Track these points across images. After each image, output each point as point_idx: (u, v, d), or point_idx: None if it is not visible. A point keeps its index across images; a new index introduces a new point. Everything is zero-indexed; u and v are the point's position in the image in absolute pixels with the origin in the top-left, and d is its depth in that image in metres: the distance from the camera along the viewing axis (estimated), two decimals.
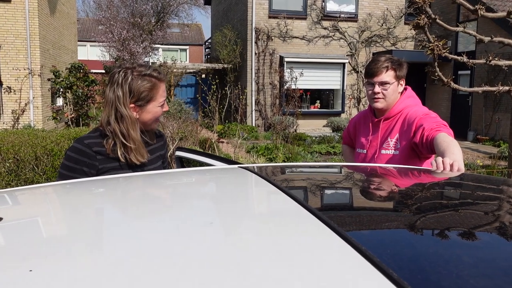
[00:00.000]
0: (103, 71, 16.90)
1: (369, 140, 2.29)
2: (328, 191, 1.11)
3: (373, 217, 0.84)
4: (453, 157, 1.72)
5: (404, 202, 1.00)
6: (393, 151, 2.20)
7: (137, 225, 0.81)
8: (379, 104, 2.17)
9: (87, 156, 1.73)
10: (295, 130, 12.23)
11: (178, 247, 0.66)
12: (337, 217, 0.81)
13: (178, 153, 2.45)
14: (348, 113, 14.04)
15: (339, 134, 11.92)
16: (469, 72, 12.78)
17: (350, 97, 14.00)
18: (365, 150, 2.33)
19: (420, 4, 4.95)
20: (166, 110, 1.88)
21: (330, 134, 11.90)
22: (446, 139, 1.88)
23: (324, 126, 13.72)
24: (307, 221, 0.75)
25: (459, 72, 13.11)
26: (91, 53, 25.51)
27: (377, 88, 2.15)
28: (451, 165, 1.67)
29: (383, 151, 2.23)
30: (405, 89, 2.24)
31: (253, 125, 13.38)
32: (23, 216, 0.94)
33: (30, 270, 0.58)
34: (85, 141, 1.76)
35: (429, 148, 1.97)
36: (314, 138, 11.31)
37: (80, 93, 8.44)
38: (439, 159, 1.74)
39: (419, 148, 2.05)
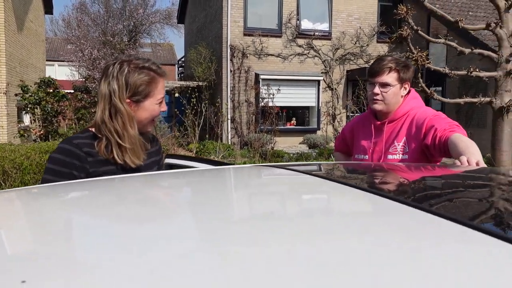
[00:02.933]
0: (72, 90, 16.51)
1: (372, 144, 2.11)
2: (390, 182, 0.92)
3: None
4: (475, 157, 1.58)
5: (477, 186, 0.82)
6: (401, 155, 2.04)
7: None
8: (378, 106, 2.02)
9: (77, 158, 1.49)
10: (273, 148, 12.10)
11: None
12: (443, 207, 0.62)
13: (168, 160, 2.24)
14: (323, 130, 14.03)
15: (316, 151, 11.84)
16: (440, 88, 13.03)
17: (326, 114, 14.02)
18: (367, 156, 2.15)
19: (403, 16, 4.93)
20: (164, 110, 1.66)
21: (307, 151, 11.82)
22: (463, 139, 1.74)
23: (300, 143, 13.64)
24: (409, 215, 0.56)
25: (431, 89, 13.33)
26: (60, 72, 24.88)
27: (377, 89, 2.00)
28: (477, 164, 1.53)
29: (389, 156, 2.06)
30: (408, 91, 2.08)
31: (229, 143, 13.17)
32: None
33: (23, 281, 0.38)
34: (74, 141, 1.52)
35: (442, 150, 1.82)
36: (291, 155, 11.19)
37: (49, 109, 8.02)
38: (463, 158, 1.59)
39: (430, 151, 1.90)
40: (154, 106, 1.58)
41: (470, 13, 13.09)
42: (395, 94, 2.00)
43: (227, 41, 13.23)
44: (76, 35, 20.63)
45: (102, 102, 1.53)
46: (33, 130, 8.23)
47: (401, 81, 2.00)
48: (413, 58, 4.87)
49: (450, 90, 12.57)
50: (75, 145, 1.50)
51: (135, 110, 1.55)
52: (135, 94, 1.53)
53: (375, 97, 2.01)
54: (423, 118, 1.93)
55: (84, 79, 15.19)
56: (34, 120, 8.40)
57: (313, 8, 14.05)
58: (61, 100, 8.48)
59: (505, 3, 5.34)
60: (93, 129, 1.57)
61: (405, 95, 2.07)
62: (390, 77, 1.98)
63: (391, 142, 2.06)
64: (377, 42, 14.43)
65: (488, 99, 5.44)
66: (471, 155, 1.59)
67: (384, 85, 1.99)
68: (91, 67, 17.98)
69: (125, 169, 1.52)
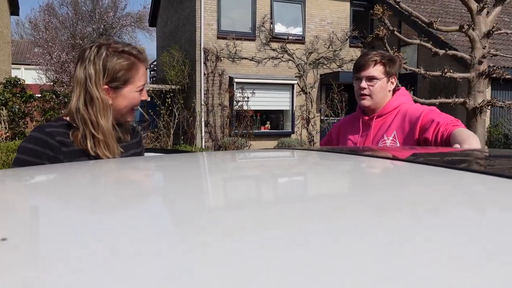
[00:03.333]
0: (39, 95, 16.05)
1: (359, 139, 2.08)
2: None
3: None
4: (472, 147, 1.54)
5: None
6: None
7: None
8: (366, 102, 1.97)
9: (49, 147, 1.35)
10: None
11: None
12: None
13: (146, 154, 2.13)
14: (298, 134, 14.06)
15: None
16: (412, 92, 13.26)
17: (300, 117, 14.05)
18: None
19: (379, 16, 4.95)
20: (145, 99, 1.54)
21: None
22: (466, 132, 1.71)
23: (275, 147, 13.61)
24: None
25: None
26: (26, 76, 24.11)
27: (363, 83, 1.94)
28: None
29: None
30: (398, 88, 2.04)
31: (203, 146, 13.01)
32: None
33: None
34: (47, 129, 1.39)
35: (443, 145, 1.78)
36: None
37: (16, 110, 7.65)
38: (457, 145, 1.56)
39: (429, 145, 1.85)
40: (134, 93, 1.46)
41: (439, 19, 13.39)
42: (382, 88, 1.95)
43: (200, 44, 13.10)
44: (44, 37, 20.05)
45: (78, 88, 1.41)
46: None
47: (388, 74, 1.95)
48: None
49: (421, 93, 12.81)
50: (47, 133, 1.37)
51: (113, 98, 1.43)
52: (114, 80, 1.41)
53: (362, 92, 1.95)
54: (418, 112, 1.88)
55: (52, 83, 14.75)
56: (0, 122, 8.01)
57: (287, 12, 14.10)
58: (28, 101, 8.13)
59: (477, 6, 5.44)
60: (67, 118, 1.44)
61: (395, 91, 2.02)
62: (376, 70, 1.94)
63: (380, 136, 2.01)
64: (350, 46, 14.59)
65: (462, 99, 5.52)
66: (468, 146, 1.55)
67: (371, 78, 1.93)
68: (59, 70, 17.48)
69: None
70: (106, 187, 0.72)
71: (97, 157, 1.41)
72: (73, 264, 0.31)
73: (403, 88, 2.06)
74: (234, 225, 0.42)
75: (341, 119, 2.31)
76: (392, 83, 1.98)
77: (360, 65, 1.96)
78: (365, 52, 2.07)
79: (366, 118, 2.03)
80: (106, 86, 1.40)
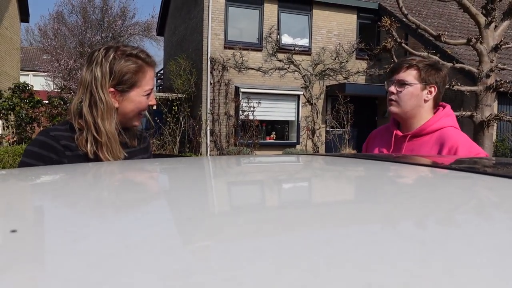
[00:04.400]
0: (47, 101, 16.20)
1: None
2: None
3: None
4: None
5: None
6: None
7: None
8: (393, 108, 1.74)
9: (54, 151, 1.35)
10: None
11: None
12: None
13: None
14: (303, 144, 14.04)
15: None
16: None
17: (305, 128, 14.04)
18: None
19: (387, 27, 4.96)
20: (152, 104, 1.51)
21: None
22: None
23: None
24: None
25: None
26: (35, 82, 24.29)
27: (392, 87, 1.73)
28: None
29: None
30: (443, 106, 1.78)
31: (208, 155, 13.01)
32: None
33: None
34: (51, 133, 1.38)
35: None
36: None
37: (24, 115, 7.69)
38: None
39: None
40: (140, 97, 1.44)
41: (446, 33, 13.43)
42: (413, 95, 1.70)
43: (207, 54, 13.18)
44: (53, 45, 20.27)
45: (82, 90, 1.40)
46: (6, 137, 7.89)
47: (424, 81, 1.70)
48: None
49: None
50: (52, 137, 1.36)
51: (119, 101, 1.41)
52: (120, 83, 1.39)
53: (389, 97, 1.75)
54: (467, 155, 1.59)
55: (59, 90, 14.86)
56: (7, 127, 8.06)
57: (294, 23, 14.18)
58: (36, 106, 8.18)
59: (485, 20, 5.45)
60: (71, 121, 1.44)
61: (436, 106, 1.77)
62: (408, 75, 1.71)
63: None
64: (356, 58, 14.62)
65: (469, 113, 5.50)
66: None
67: (401, 83, 1.72)
68: (67, 77, 17.64)
69: None
70: (103, 189, 0.71)
71: (98, 160, 1.40)
72: (72, 265, 0.31)
73: (448, 107, 1.78)
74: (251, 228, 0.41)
75: (372, 132, 2.02)
76: (430, 92, 1.72)
77: (393, 68, 1.79)
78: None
79: (400, 134, 1.77)
80: (112, 89, 1.39)
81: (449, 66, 5.45)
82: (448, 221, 0.44)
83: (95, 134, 1.37)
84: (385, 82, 1.82)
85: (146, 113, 1.64)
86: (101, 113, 1.37)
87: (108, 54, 1.39)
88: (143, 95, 1.45)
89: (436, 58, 1.92)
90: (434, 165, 0.97)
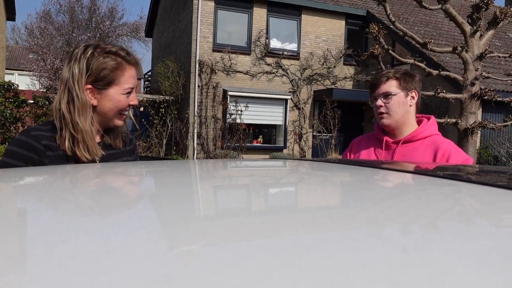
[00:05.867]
0: (32, 101, 16.03)
1: None
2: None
3: None
4: None
5: None
6: None
7: None
8: (385, 120, 1.83)
9: (34, 151, 1.33)
10: None
11: None
12: None
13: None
14: (290, 149, 14.07)
15: None
16: None
17: (293, 133, 14.09)
18: None
19: (374, 34, 5.01)
20: (134, 104, 1.48)
21: None
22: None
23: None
24: None
25: None
26: (20, 82, 24.01)
27: (379, 101, 1.82)
28: None
29: None
30: (428, 118, 1.89)
31: (194, 158, 12.96)
32: None
33: None
34: (32, 132, 1.36)
35: None
36: None
37: (8, 114, 7.56)
38: None
39: None
40: (119, 96, 1.42)
41: (432, 40, 13.61)
42: (400, 103, 1.81)
43: (195, 56, 13.15)
44: (39, 44, 20.03)
45: (61, 87, 1.39)
46: None
47: (405, 89, 1.82)
48: None
49: None
50: (32, 137, 1.34)
51: (98, 99, 1.40)
52: (98, 80, 1.38)
53: (379, 110, 1.83)
54: (458, 161, 1.70)
55: (45, 89, 14.69)
56: None
57: (282, 28, 14.24)
58: (21, 106, 8.05)
59: (470, 28, 5.54)
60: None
61: (423, 119, 1.87)
62: (389, 86, 1.82)
63: None
64: (344, 64, 14.73)
65: (454, 120, 5.57)
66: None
67: (385, 95, 1.82)
68: (53, 77, 17.44)
69: None
70: (85, 191, 0.71)
71: (80, 160, 1.38)
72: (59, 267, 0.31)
73: (433, 118, 1.90)
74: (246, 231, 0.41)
75: (353, 140, 2.09)
76: (413, 97, 1.84)
77: (373, 84, 1.87)
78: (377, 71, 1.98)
79: (391, 141, 1.87)
80: (89, 86, 1.37)
81: (435, 73, 5.52)
82: (432, 227, 0.44)
83: (72, 131, 1.36)
84: (368, 99, 1.91)
85: (131, 114, 1.62)
86: (77, 110, 1.35)
87: (86, 51, 1.38)
88: (122, 93, 1.43)
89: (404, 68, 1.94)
90: (425, 172, 0.98)
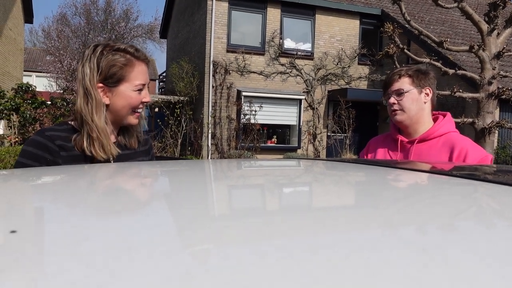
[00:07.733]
0: (49, 102, 16.26)
1: None
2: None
3: None
4: None
5: None
6: None
7: None
8: (398, 117, 1.81)
9: (48, 151, 1.34)
10: None
11: None
12: None
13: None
14: (304, 149, 14.03)
15: None
16: None
17: (307, 133, 14.04)
18: None
19: (389, 33, 4.97)
20: (146, 101, 1.48)
21: None
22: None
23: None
24: None
25: None
26: (37, 83, 24.38)
27: (392, 99, 1.81)
28: None
29: None
30: (444, 115, 1.86)
31: (209, 158, 13.01)
32: None
33: None
34: (47, 133, 1.37)
35: None
36: None
37: (27, 115, 7.69)
38: None
39: None
40: (130, 92, 1.42)
41: (448, 39, 13.44)
42: (413, 100, 1.79)
43: (210, 57, 13.20)
44: (56, 46, 20.33)
45: (79, 88, 1.40)
46: (8, 137, 7.89)
47: (418, 86, 1.79)
48: None
49: None
50: (47, 137, 1.36)
51: (110, 97, 1.41)
52: (108, 77, 1.39)
53: (392, 108, 1.82)
54: (476, 159, 1.66)
55: (62, 91, 14.90)
56: (10, 127, 8.07)
57: (296, 28, 14.20)
58: (39, 107, 8.19)
59: (487, 27, 5.45)
60: (72, 122, 1.43)
61: (439, 117, 1.84)
62: (402, 83, 1.80)
63: None
64: (358, 64, 14.63)
65: (470, 119, 5.50)
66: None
67: (399, 92, 1.80)
68: (69, 78, 17.70)
69: None
70: (104, 191, 0.71)
71: (95, 161, 1.39)
72: (70, 269, 0.31)
73: (449, 114, 1.87)
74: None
75: (370, 140, 2.07)
76: (427, 94, 1.81)
77: (386, 83, 1.87)
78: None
79: (406, 140, 1.84)
80: (101, 84, 1.39)
81: (452, 72, 5.45)
82: (451, 228, 0.44)
83: (88, 129, 1.37)
84: (382, 98, 1.90)
85: (143, 113, 1.62)
86: (93, 109, 1.37)
87: (96, 50, 1.39)
88: (133, 90, 1.42)
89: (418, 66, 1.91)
90: (443, 172, 0.97)
